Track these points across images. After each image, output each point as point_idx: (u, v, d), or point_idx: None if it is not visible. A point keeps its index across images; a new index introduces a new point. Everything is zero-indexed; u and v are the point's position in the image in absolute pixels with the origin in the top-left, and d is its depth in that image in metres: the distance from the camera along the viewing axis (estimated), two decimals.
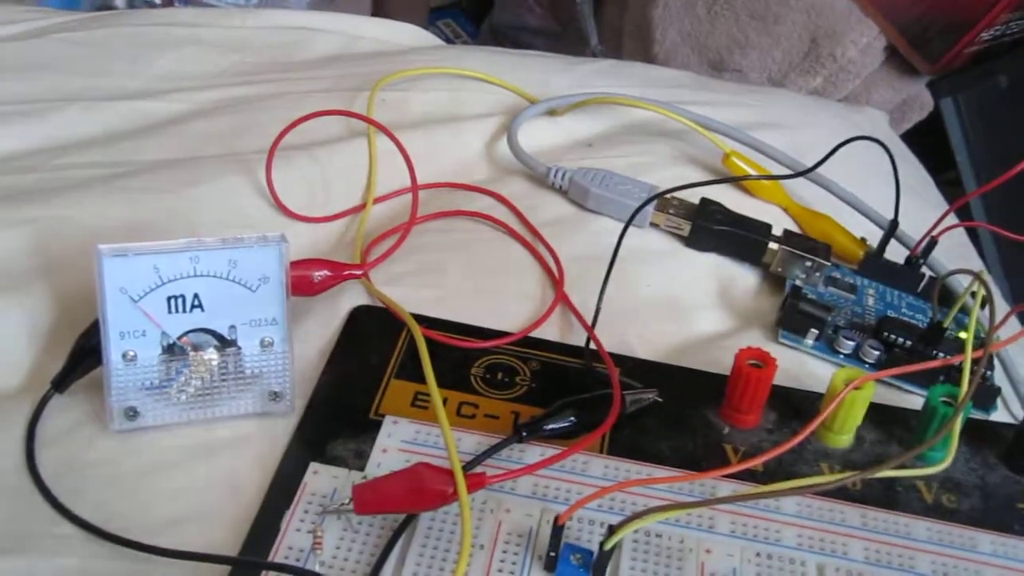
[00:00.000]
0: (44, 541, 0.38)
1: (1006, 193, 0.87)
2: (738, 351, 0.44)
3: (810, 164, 0.55)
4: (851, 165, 0.58)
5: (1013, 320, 0.48)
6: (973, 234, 0.75)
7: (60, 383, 0.43)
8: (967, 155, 0.87)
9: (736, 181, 0.60)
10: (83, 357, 0.43)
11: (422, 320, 0.47)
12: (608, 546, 0.36)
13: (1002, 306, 0.59)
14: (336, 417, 0.43)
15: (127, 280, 0.41)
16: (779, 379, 0.47)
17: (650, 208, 0.56)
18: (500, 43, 1.15)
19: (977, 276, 0.43)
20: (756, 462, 0.38)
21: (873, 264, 0.56)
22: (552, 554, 0.37)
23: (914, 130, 0.92)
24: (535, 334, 0.49)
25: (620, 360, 0.47)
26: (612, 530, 0.35)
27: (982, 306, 0.42)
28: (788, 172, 0.60)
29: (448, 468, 0.37)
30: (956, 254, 0.65)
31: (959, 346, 0.48)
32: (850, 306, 0.54)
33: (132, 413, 0.42)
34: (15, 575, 0.37)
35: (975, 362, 0.41)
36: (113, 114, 0.59)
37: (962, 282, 0.55)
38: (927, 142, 0.85)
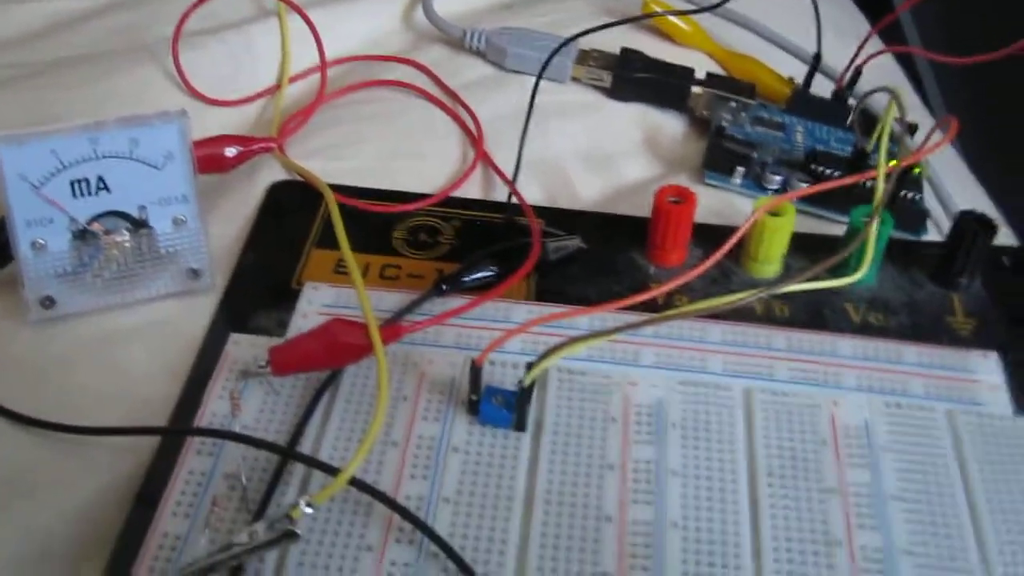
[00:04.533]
0: None
1: (938, 17, 0.86)
2: (657, 189, 0.44)
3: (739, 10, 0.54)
4: (777, 6, 0.57)
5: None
6: (908, 65, 0.73)
7: None
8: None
9: (647, 19, 0.59)
10: None
11: (341, 189, 0.47)
12: (527, 382, 0.36)
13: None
14: (257, 290, 0.43)
15: (26, 167, 0.40)
16: (708, 219, 0.46)
17: (569, 62, 0.55)
18: None
19: (891, 92, 0.43)
20: (667, 288, 0.38)
21: (800, 101, 0.56)
22: (473, 398, 0.37)
23: None
24: (457, 194, 0.48)
25: (543, 212, 0.47)
26: (530, 367, 0.35)
27: (899, 123, 0.42)
28: (704, 9, 0.59)
29: (363, 322, 0.37)
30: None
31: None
32: (778, 144, 0.53)
33: (48, 302, 0.41)
34: None
35: (893, 176, 0.40)
36: (15, 17, 0.57)
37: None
38: None
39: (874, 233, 0.40)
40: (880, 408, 0.39)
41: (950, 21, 0.88)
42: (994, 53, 0.46)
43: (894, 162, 0.44)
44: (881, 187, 0.40)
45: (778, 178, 0.50)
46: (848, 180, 0.43)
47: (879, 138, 0.43)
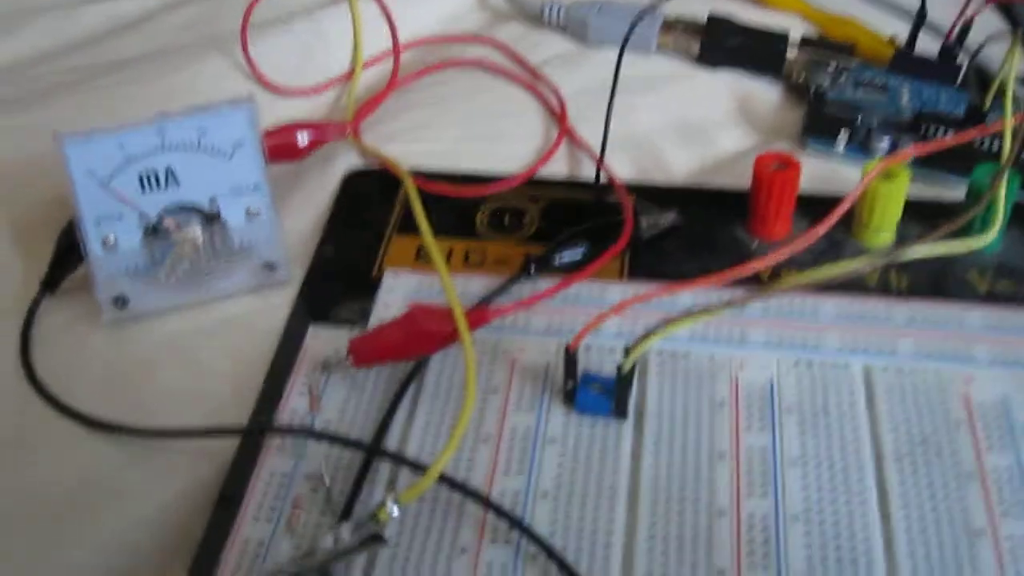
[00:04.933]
0: (43, 440, 0.36)
1: None
2: (757, 157, 0.41)
3: None
4: None
5: None
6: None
7: (48, 283, 0.41)
8: None
9: None
10: (67, 253, 0.41)
11: (420, 174, 0.45)
12: (626, 367, 0.33)
13: None
14: (336, 281, 0.41)
15: (93, 163, 0.38)
16: (812, 188, 0.43)
17: (654, 31, 0.52)
18: None
19: (1014, 33, 0.39)
20: (774, 259, 0.34)
21: (904, 61, 0.52)
22: (569, 386, 0.34)
23: None
24: (542, 174, 0.46)
25: (633, 188, 0.44)
26: (628, 351, 0.32)
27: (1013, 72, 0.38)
28: None
29: (447, 308, 0.34)
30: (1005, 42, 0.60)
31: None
32: (883, 107, 0.49)
33: (122, 302, 0.40)
34: (16, 475, 0.35)
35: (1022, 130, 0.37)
36: (82, 20, 0.57)
37: None
38: None
39: (1004, 190, 0.36)
40: (1020, 384, 0.35)
41: None
42: None
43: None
44: (1009, 139, 0.36)
45: (886, 141, 0.46)
46: (971, 134, 0.40)
47: (999, 90, 0.39)
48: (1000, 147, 0.39)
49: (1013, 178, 0.38)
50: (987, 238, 0.36)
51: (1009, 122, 0.37)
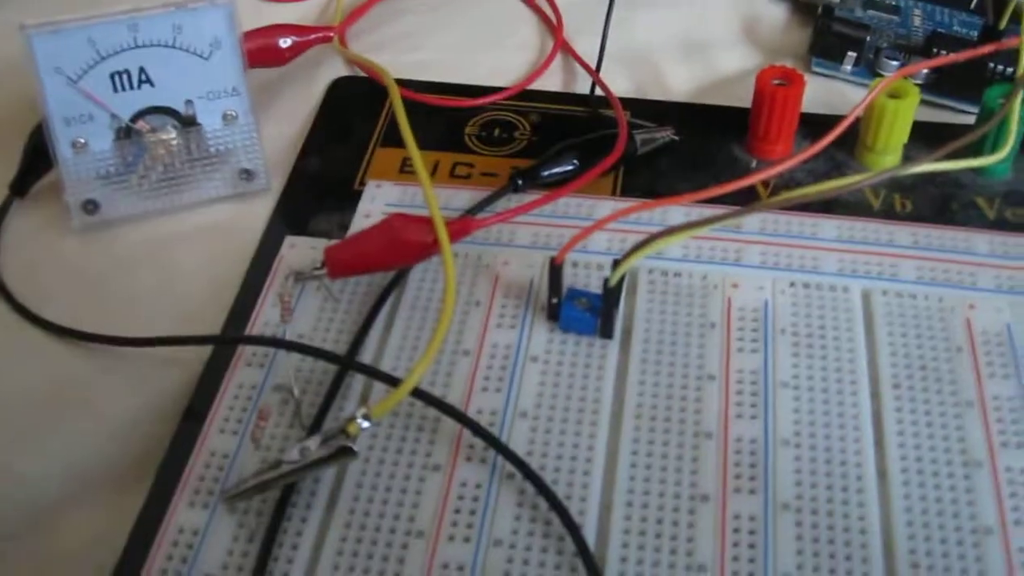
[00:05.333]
0: (9, 347, 0.35)
1: None
2: (759, 71, 0.39)
3: None
4: None
5: None
6: None
7: (16, 187, 0.40)
8: None
9: None
10: (36, 157, 0.39)
11: (408, 84, 0.43)
12: (613, 282, 0.31)
13: None
14: (317, 191, 0.39)
15: (62, 59, 0.36)
16: (817, 110, 0.41)
17: None
18: None
19: None
20: (770, 173, 0.33)
21: None
22: (554, 301, 0.33)
23: None
24: (535, 87, 0.44)
25: (630, 103, 0.42)
26: (616, 265, 0.31)
27: None
28: None
29: (427, 217, 0.32)
30: None
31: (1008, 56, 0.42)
32: (893, 28, 0.47)
33: (92, 206, 0.38)
34: None
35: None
36: None
37: None
38: None
39: (1017, 109, 0.34)
40: (1021, 311, 0.34)
41: None
42: None
43: None
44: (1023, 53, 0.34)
45: (895, 63, 0.44)
46: (985, 49, 0.38)
47: (1015, 12, 0.37)
48: (1015, 70, 0.37)
49: None
50: (998, 157, 0.34)
51: None
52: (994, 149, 0.36)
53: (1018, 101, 0.34)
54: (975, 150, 0.37)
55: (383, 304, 0.34)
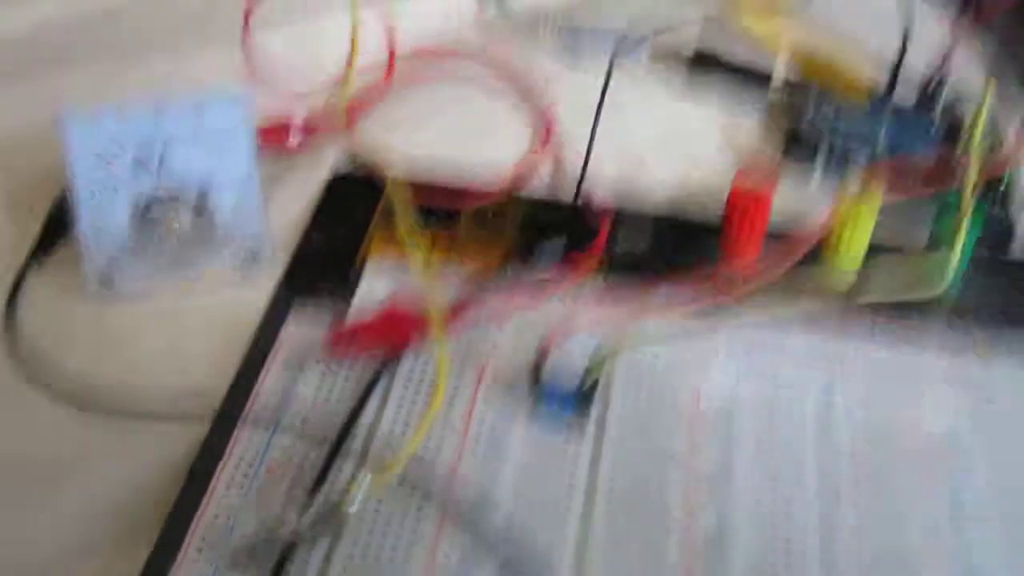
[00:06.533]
0: (19, 412, 0.37)
1: None
2: (732, 182, 0.42)
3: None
4: (863, 6, 0.55)
5: None
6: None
7: (36, 254, 0.42)
8: None
9: (726, 16, 0.57)
10: (57, 226, 0.42)
11: (411, 172, 0.46)
12: (592, 375, 0.34)
13: None
14: (318, 271, 0.42)
15: (91, 142, 0.39)
16: (786, 213, 0.45)
17: (645, 56, 0.54)
18: None
19: (985, 83, 0.40)
20: (740, 283, 0.36)
21: (883, 103, 0.53)
22: (536, 385, 0.35)
23: None
24: (530, 182, 0.47)
25: (616, 203, 0.45)
26: (594, 357, 0.34)
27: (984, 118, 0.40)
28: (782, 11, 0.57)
29: (424, 306, 0.35)
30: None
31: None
32: (859, 146, 0.51)
33: (107, 279, 0.41)
34: None
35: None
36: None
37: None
38: None
39: (963, 228, 0.38)
40: (965, 419, 0.37)
41: None
42: None
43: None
44: (969, 191, 0.38)
45: (861, 167, 0.48)
46: (932, 168, 0.41)
47: (970, 137, 0.40)
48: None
49: (974, 227, 0.40)
50: (942, 286, 0.38)
51: (975, 168, 0.38)
52: (941, 276, 0.39)
53: (962, 233, 0.38)
54: (925, 274, 0.40)
55: (378, 381, 0.36)
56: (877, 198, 0.40)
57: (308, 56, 0.54)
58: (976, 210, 0.39)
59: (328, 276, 0.42)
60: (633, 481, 0.34)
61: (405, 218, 0.38)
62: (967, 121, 0.44)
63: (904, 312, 0.41)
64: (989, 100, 0.41)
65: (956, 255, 0.37)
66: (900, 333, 0.40)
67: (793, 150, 0.49)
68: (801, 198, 0.47)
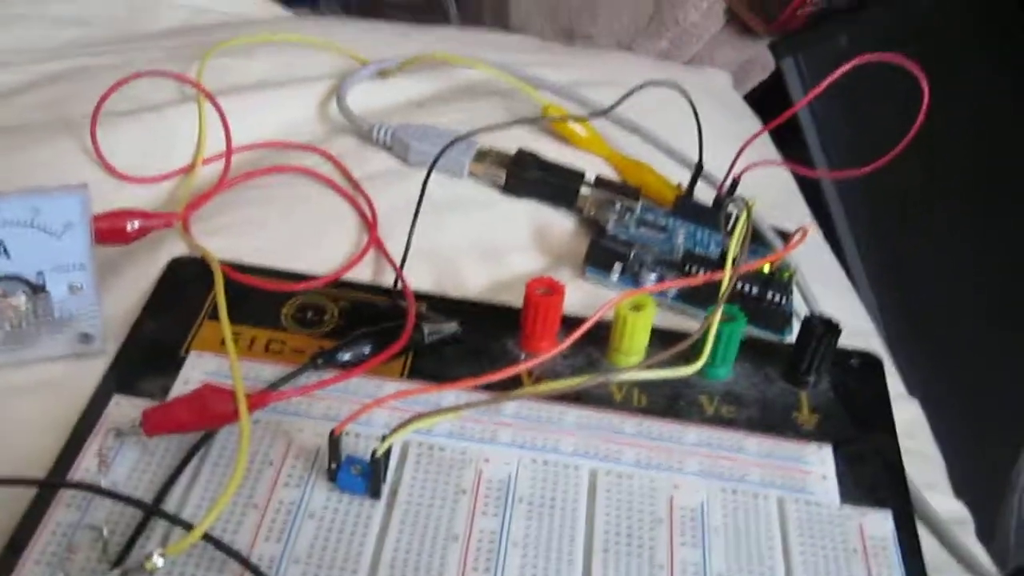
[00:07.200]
0: None
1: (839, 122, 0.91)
2: (529, 281, 0.47)
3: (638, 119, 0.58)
4: (675, 113, 0.61)
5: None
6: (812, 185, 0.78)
7: None
8: (808, 111, 0.91)
9: (535, 122, 0.63)
10: None
11: (238, 267, 0.50)
12: (379, 452, 0.38)
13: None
14: (146, 356, 0.45)
15: None
16: (585, 312, 0.50)
17: (467, 158, 0.59)
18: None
19: (745, 203, 0.47)
20: (524, 368, 0.41)
21: (685, 206, 0.60)
22: (332, 466, 0.39)
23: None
24: (348, 277, 0.51)
25: (427, 298, 0.50)
26: (384, 438, 0.38)
27: (743, 231, 0.46)
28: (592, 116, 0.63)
29: (232, 388, 0.39)
30: (784, 199, 0.69)
31: (753, 276, 0.52)
32: (659, 244, 0.57)
33: None
34: None
35: (733, 276, 0.45)
36: None
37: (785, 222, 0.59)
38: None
39: (714, 326, 0.43)
40: (717, 492, 0.42)
41: (851, 126, 0.93)
42: (864, 168, 0.51)
43: (763, 265, 0.49)
44: (724, 286, 0.44)
45: (653, 276, 0.54)
46: (697, 280, 0.47)
47: (739, 242, 0.46)
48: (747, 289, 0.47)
49: (739, 319, 0.46)
50: (693, 367, 0.43)
51: (727, 272, 0.44)
52: (697, 359, 0.45)
53: (715, 322, 0.43)
54: (692, 357, 0.46)
55: (190, 459, 0.40)
56: (650, 307, 0.46)
57: (155, 147, 0.58)
58: (747, 299, 0.45)
59: (154, 360, 0.45)
60: (414, 554, 0.38)
61: (223, 308, 0.42)
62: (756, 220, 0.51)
63: (678, 392, 0.46)
64: (753, 206, 0.47)
65: (711, 335, 0.43)
66: (672, 410, 0.45)
67: (592, 258, 0.54)
68: (601, 298, 0.52)
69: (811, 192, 0.74)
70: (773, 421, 0.46)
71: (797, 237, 0.50)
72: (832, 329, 0.47)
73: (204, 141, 0.59)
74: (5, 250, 0.44)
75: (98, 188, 0.53)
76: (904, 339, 0.62)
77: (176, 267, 0.51)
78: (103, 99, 0.56)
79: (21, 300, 0.44)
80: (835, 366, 0.49)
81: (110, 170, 0.56)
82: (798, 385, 0.48)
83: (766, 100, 0.87)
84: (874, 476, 0.44)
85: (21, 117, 0.59)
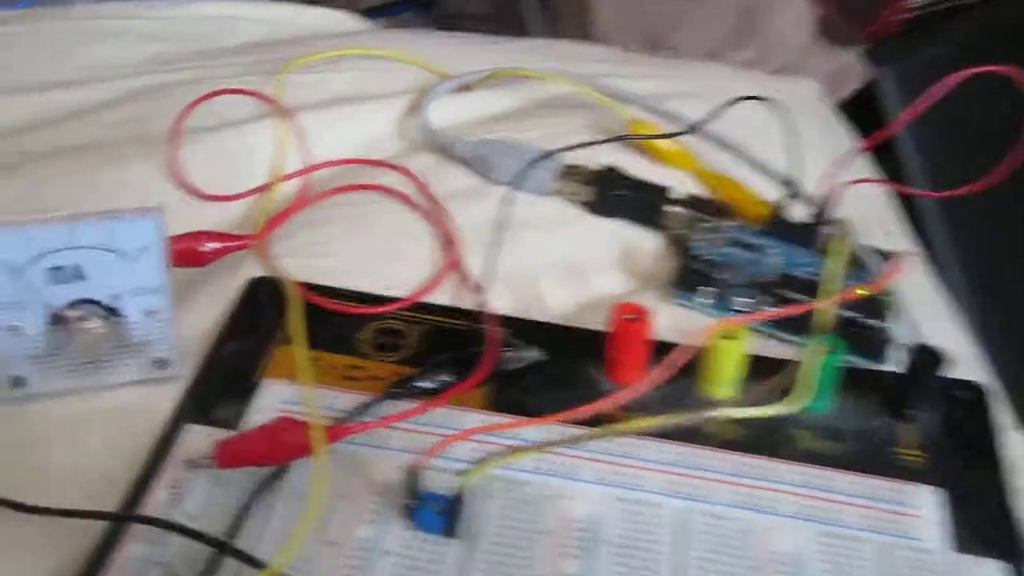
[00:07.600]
0: None
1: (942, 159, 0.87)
2: (613, 306, 0.45)
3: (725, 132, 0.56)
4: (767, 129, 0.58)
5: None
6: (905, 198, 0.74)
7: None
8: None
9: (622, 140, 0.60)
10: None
11: (316, 288, 0.48)
12: (459, 490, 0.37)
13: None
14: (220, 382, 0.44)
15: (6, 253, 0.42)
16: (673, 337, 0.47)
17: (551, 176, 0.57)
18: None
19: (841, 225, 0.44)
20: (612, 403, 0.39)
21: (779, 224, 0.57)
22: (408, 502, 0.38)
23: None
24: (428, 300, 0.50)
25: (509, 322, 0.48)
26: (465, 475, 0.36)
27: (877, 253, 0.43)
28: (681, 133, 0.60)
29: (307, 421, 0.38)
30: (879, 215, 0.66)
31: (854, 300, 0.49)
32: (750, 266, 0.54)
33: (19, 382, 0.43)
34: None
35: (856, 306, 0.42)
36: (24, 105, 0.60)
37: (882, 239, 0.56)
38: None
39: (812, 362, 0.41)
40: (814, 536, 0.39)
41: (951, 147, 0.90)
42: (969, 185, 0.48)
43: (863, 290, 0.46)
44: (826, 316, 0.41)
45: (744, 300, 0.51)
46: (790, 311, 0.45)
47: (840, 268, 0.44)
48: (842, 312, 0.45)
49: (837, 349, 0.43)
50: (797, 405, 0.41)
51: (828, 301, 0.42)
52: (796, 396, 0.42)
53: (811, 356, 0.41)
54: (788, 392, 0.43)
55: (263, 493, 0.39)
56: (743, 338, 0.43)
57: (234, 165, 0.57)
58: (844, 327, 0.42)
59: (228, 387, 0.44)
60: None
61: (300, 336, 0.41)
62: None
63: (773, 426, 0.44)
64: (845, 239, 0.44)
65: (810, 370, 0.40)
66: (766, 446, 0.43)
67: (679, 282, 0.52)
68: (690, 323, 0.50)
69: (905, 205, 0.71)
70: (873, 458, 0.43)
71: (900, 262, 0.47)
72: (939, 359, 0.44)
73: (283, 159, 0.58)
74: (82, 272, 0.43)
75: (175, 206, 0.53)
76: (1013, 367, 0.58)
77: (253, 288, 0.50)
78: (181, 118, 0.55)
79: (97, 324, 0.43)
80: (939, 397, 0.46)
81: (189, 188, 0.55)
82: (900, 418, 0.45)
83: (855, 109, 0.84)
84: (982, 519, 0.41)
85: (103, 134, 0.58)
